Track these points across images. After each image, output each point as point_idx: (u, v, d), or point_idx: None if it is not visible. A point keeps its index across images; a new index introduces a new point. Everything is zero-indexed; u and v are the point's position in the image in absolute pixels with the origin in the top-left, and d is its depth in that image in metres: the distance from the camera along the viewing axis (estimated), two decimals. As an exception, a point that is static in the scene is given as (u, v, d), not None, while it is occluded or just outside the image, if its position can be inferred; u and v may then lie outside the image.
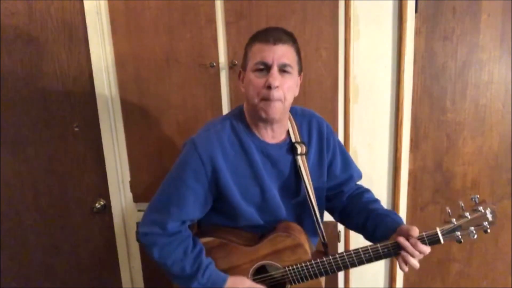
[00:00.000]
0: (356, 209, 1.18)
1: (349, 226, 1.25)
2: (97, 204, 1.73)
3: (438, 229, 0.97)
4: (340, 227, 1.66)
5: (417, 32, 1.49)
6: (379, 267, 1.71)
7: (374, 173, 1.61)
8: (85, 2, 1.54)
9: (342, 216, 1.24)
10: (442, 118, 1.56)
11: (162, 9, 1.52)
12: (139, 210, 1.73)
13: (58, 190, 1.73)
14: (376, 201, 1.21)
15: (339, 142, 1.23)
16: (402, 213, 1.64)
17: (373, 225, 1.11)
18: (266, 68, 0.99)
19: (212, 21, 1.51)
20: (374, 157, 1.60)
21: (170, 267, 1.08)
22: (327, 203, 1.24)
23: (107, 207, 1.74)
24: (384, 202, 1.64)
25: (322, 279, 1.12)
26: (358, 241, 1.68)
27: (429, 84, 1.54)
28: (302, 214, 1.17)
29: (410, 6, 1.45)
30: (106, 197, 1.73)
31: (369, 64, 1.52)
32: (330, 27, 1.48)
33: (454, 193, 1.62)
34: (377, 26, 1.49)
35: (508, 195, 1.61)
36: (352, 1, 1.46)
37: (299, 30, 1.49)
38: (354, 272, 1.71)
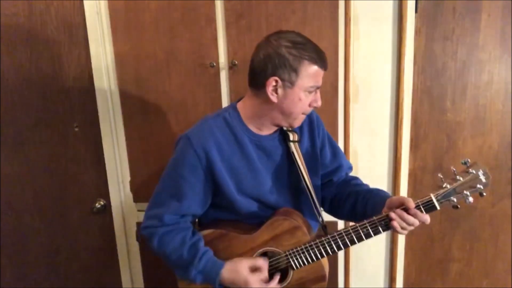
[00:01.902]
0: (345, 194, 1.20)
1: (340, 214, 1.25)
2: (97, 204, 1.73)
3: (432, 195, 0.95)
4: (340, 227, 1.65)
5: (417, 32, 1.49)
6: (379, 267, 1.71)
7: (374, 173, 1.61)
8: (85, 2, 1.54)
9: (333, 204, 1.24)
10: (442, 118, 1.56)
11: (162, 9, 1.52)
12: (139, 210, 1.73)
13: (58, 190, 1.73)
14: (364, 184, 1.23)
15: (328, 133, 1.26)
16: (402, 213, 1.64)
17: (363, 205, 1.12)
18: (314, 90, 1.07)
19: (212, 21, 1.51)
20: (374, 157, 1.60)
21: (169, 256, 1.10)
22: None
23: (107, 207, 1.74)
24: (384, 202, 1.64)
25: (325, 263, 1.12)
26: (358, 241, 1.68)
27: (429, 84, 1.54)
28: (299, 203, 1.19)
29: (410, 6, 1.45)
30: (106, 197, 1.72)
31: (369, 64, 1.52)
32: (330, 27, 1.48)
33: (454, 193, 1.62)
34: (377, 26, 1.49)
35: (508, 195, 1.61)
36: (352, 1, 1.46)
37: (299, 30, 1.47)
38: (354, 272, 1.71)
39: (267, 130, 1.13)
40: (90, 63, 1.59)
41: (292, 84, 1.02)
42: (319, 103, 1.08)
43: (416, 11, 1.47)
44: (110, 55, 1.58)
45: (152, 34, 1.54)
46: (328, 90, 1.53)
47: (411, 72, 1.52)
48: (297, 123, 1.11)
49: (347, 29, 1.48)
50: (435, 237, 1.66)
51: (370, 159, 1.60)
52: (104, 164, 1.68)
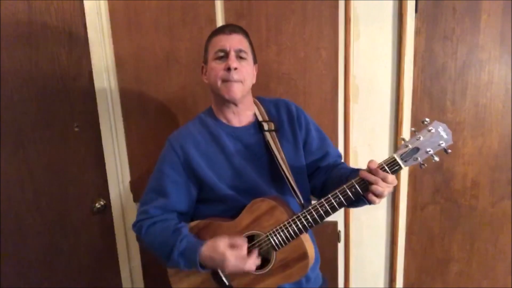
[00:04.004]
0: (333, 177, 1.19)
1: None
2: (97, 204, 1.73)
3: (394, 154, 0.96)
4: (340, 227, 1.66)
5: (417, 32, 1.49)
6: (379, 267, 1.71)
7: (374, 173, 1.60)
8: (85, 2, 1.54)
9: (323, 190, 1.23)
10: (442, 118, 1.56)
11: (162, 9, 1.52)
12: (139, 210, 1.73)
13: (58, 190, 1.73)
14: (352, 167, 1.23)
15: (312, 120, 1.27)
16: (402, 213, 1.64)
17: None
18: (225, 55, 1.11)
19: (212, 21, 1.51)
20: (374, 157, 1.57)
21: (155, 242, 1.14)
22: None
23: (107, 207, 1.74)
24: (384, 202, 1.64)
25: (306, 240, 1.11)
26: (358, 241, 1.68)
27: (429, 84, 1.54)
28: (282, 189, 1.19)
29: (410, 6, 1.45)
30: (106, 197, 1.73)
31: (369, 64, 1.52)
32: (330, 27, 1.48)
33: (454, 193, 1.62)
34: (377, 26, 1.49)
35: (508, 195, 1.61)
36: (352, 1, 1.46)
37: (299, 30, 1.49)
38: (354, 272, 1.71)
39: (235, 118, 1.19)
40: (90, 63, 1.59)
41: (206, 61, 1.17)
42: (230, 63, 1.09)
43: (416, 11, 1.47)
44: (110, 55, 1.58)
45: (152, 34, 1.54)
46: (328, 90, 1.53)
47: (411, 72, 1.52)
48: (228, 94, 1.12)
49: (347, 29, 1.48)
50: (435, 237, 1.67)
51: (370, 159, 1.59)
52: (104, 164, 1.68)
